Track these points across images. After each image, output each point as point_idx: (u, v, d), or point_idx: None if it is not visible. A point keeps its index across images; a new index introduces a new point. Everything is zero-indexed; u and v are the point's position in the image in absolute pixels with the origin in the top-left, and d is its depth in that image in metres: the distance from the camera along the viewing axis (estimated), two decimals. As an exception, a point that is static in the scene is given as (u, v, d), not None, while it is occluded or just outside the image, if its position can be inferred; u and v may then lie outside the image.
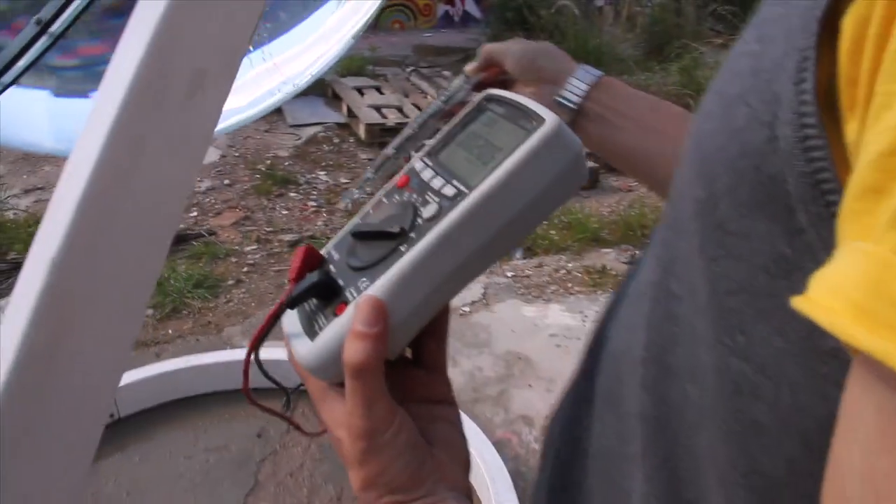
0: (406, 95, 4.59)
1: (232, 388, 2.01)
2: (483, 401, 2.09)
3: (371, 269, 0.34)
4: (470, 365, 2.23)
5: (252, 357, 0.37)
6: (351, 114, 4.33)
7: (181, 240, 2.92)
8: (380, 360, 0.33)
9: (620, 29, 5.93)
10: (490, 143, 0.36)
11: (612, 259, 2.97)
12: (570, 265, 2.92)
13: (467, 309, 2.50)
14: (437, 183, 0.36)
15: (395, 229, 0.35)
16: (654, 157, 0.57)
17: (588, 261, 2.97)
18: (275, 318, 0.37)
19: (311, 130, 4.25)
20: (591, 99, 0.59)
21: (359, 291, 0.34)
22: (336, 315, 0.34)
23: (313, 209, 3.35)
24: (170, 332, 2.34)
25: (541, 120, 0.34)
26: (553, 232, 3.16)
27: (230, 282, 2.66)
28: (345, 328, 0.33)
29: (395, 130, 3.44)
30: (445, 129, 0.41)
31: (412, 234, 0.34)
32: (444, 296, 0.35)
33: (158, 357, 2.17)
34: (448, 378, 0.39)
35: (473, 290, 2.65)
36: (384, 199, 0.39)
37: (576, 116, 0.60)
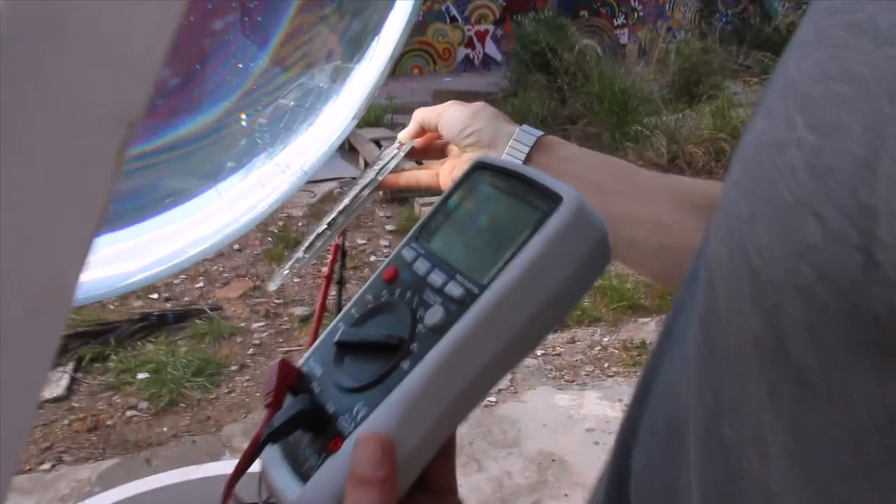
0: (425, 146, 4.41)
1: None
2: (513, 515, 1.83)
3: (367, 391, 0.29)
4: (497, 469, 1.97)
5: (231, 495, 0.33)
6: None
7: (184, 317, 2.72)
8: None
9: (651, 71, 5.71)
10: (497, 227, 0.31)
11: (650, 331, 2.71)
12: (605, 339, 2.67)
13: (493, 399, 2.25)
14: (436, 279, 0.31)
15: (393, 340, 0.30)
16: None
17: (625, 333, 2.71)
18: (253, 455, 0.31)
19: (326, 186, 4.07)
20: (533, 161, 0.57)
21: (355, 421, 0.29)
22: (330, 451, 0.29)
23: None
24: (165, 429, 2.12)
25: (557, 198, 0.29)
26: (585, 299, 2.91)
27: (233, 367, 2.44)
28: (343, 469, 0.28)
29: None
30: (434, 207, 0.35)
31: (414, 347, 0.29)
32: (457, 417, 0.30)
33: (149, 464, 1.95)
34: (460, 500, 0.33)
35: (499, 374, 2.41)
36: (370, 298, 0.34)
37: None
